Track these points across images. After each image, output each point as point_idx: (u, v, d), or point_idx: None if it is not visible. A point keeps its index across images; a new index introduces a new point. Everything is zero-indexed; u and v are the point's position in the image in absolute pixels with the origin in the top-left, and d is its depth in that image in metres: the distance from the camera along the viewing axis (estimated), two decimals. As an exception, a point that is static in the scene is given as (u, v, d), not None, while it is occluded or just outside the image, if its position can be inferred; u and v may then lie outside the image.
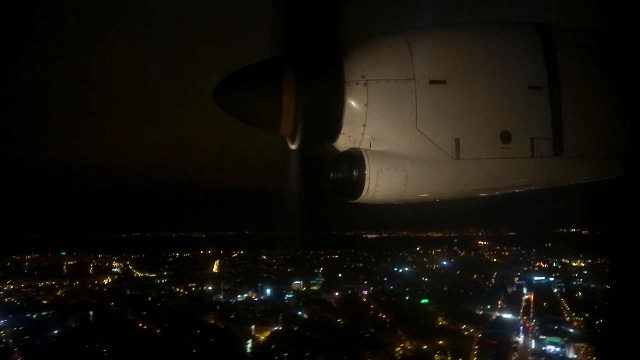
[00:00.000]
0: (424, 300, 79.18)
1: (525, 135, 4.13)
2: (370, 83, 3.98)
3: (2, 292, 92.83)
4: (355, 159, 4.04)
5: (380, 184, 4.00)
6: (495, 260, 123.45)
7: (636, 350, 3.31)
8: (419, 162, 4.04)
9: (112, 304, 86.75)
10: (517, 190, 4.58)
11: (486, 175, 4.21)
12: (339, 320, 74.55)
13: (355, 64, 4.00)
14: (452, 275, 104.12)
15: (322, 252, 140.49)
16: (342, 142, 4.16)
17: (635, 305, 3.35)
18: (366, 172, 3.98)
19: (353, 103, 3.99)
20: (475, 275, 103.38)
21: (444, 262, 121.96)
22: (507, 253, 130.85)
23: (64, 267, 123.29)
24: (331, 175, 4.19)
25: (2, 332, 71.52)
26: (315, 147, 4.29)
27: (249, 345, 64.92)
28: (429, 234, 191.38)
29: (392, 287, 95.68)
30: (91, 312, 79.82)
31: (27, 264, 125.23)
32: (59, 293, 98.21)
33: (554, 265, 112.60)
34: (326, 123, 4.06)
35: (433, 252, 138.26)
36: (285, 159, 4.24)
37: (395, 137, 4.03)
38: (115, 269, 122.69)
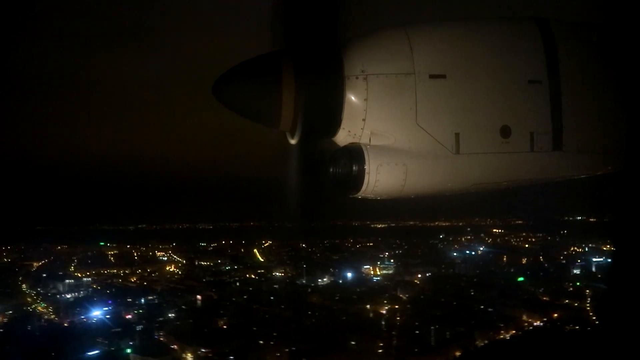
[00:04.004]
0: (520, 279, 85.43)
1: (525, 130, 4.16)
2: (370, 78, 4.00)
3: (89, 279, 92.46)
4: (355, 153, 4.07)
5: (380, 179, 4.04)
6: (527, 245, 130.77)
7: (636, 329, 3.49)
8: (418, 156, 4.07)
9: (201, 288, 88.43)
10: (517, 185, 4.60)
11: (486, 170, 4.25)
12: (442, 299, 79.25)
13: (355, 58, 4.04)
14: (502, 259, 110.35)
15: (358, 240, 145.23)
16: (342, 137, 4.20)
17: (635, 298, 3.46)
18: (366, 166, 4.02)
19: (353, 98, 4.02)
20: (524, 259, 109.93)
21: (482, 248, 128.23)
22: (534, 239, 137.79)
23: (110, 256, 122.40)
24: (331, 170, 4.21)
25: (128, 315, 72.58)
26: (315, 142, 4.34)
27: (383, 322, 68.78)
28: (437, 223, 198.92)
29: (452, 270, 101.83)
30: (199, 297, 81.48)
31: (69, 253, 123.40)
32: (133, 280, 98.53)
33: (587, 250, 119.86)
34: (326, 118, 4.10)
35: (462, 238, 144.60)
36: (285, 154, 4.24)
37: (395, 131, 4.06)
38: (163, 258, 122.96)
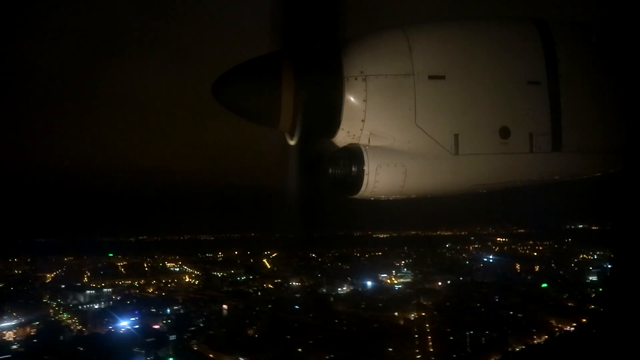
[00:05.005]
0: (544, 285, 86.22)
1: (524, 131, 4.17)
2: (369, 78, 4.01)
3: (108, 290, 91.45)
4: (354, 154, 4.09)
5: (379, 180, 4.04)
6: (535, 253, 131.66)
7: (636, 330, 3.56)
8: (418, 157, 4.07)
9: (223, 298, 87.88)
10: (516, 186, 4.57)
11: (485, 171, 4.26)
12: (468, 305, 79.49)
13: (354, 59, 4.05)
14: (515, 267, 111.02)
15: (365, 250, 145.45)
16: (341, 138, 4.21)
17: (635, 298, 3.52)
18: (365, 167, 4.03)
19: (352, 98, 4.03)
20: (537, 267, 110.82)
21: (492, 256, 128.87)
22: (541, 247, 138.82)
23: (120, 267, 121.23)
24: (330, 170, 4.22)
25: (156, 325, 71.84)
26: (314, 143, 4.33)
27: (415, 329, 68.87)
28: (439, 232, 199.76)
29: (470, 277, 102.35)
30: (224, 306, 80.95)
31: (78, 265, 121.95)
32: (150, 290, 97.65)
33: (596, 257, 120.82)
34: (325, 118, 4.11)
35: (470, 247, 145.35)
36: (284, 155, 4.24)
37: (394, 132, 4.06)
38: (175, 269, 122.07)
